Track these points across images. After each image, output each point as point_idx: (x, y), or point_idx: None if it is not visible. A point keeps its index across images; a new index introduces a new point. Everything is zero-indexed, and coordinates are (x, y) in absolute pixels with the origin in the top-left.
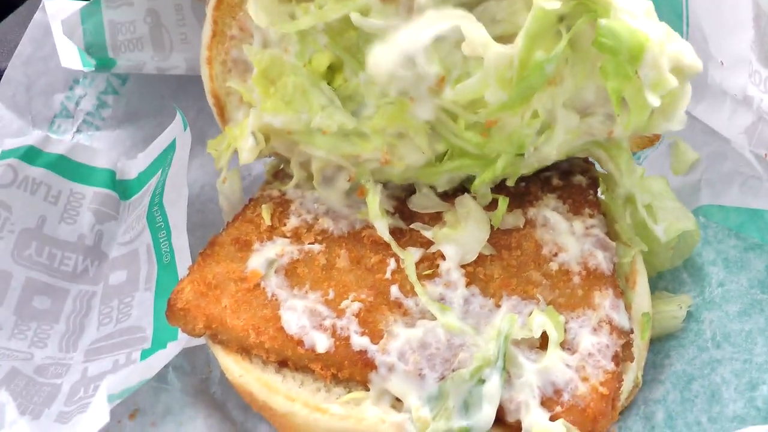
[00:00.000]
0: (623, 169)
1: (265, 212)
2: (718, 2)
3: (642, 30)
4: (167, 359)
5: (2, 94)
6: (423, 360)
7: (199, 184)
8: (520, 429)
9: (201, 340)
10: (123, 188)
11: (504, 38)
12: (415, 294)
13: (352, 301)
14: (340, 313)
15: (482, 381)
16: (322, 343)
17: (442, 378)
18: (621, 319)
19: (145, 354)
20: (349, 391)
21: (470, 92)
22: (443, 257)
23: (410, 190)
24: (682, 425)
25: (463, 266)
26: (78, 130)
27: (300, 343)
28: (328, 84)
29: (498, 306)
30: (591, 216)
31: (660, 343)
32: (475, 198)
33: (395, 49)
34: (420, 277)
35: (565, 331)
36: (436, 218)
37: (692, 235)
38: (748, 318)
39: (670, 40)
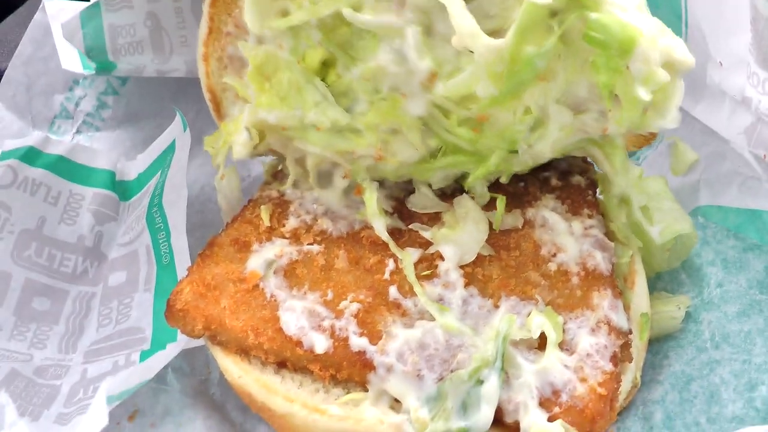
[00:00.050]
0: (618, 168)
1: (264, 213)
2: (717, 3)
3: (633, 24)
4: (166, 360)
5: (2, 94)
6: (421, 361)
7: (199, 184)
8: (519, 430)
9: (200, 342)
10: (122, 189)
11: (497, 34)
12: (413, 294)
13: (350, 302)
14: (338, 314)
15: (481, 382)
16: (320, 343)
17: (441, 379)
18: (619, 320)
19: (144, 355)
20: (348, 392)
21: (461, 87)
22: (442, 258)
23: (409, 190)
24: (680, 426)
25: (461, 267)
26: (78, 131)
27: (299, 343)
28: (322, 80)
29: (496, 306)
30: (590, 216)
31: (659, 343)
32: (473, 198)
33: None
34: (419, 277)
35: (564, 331)
36: (434, 218)
37: (689, 238)
38: (746, 319)
39: (661, 35)
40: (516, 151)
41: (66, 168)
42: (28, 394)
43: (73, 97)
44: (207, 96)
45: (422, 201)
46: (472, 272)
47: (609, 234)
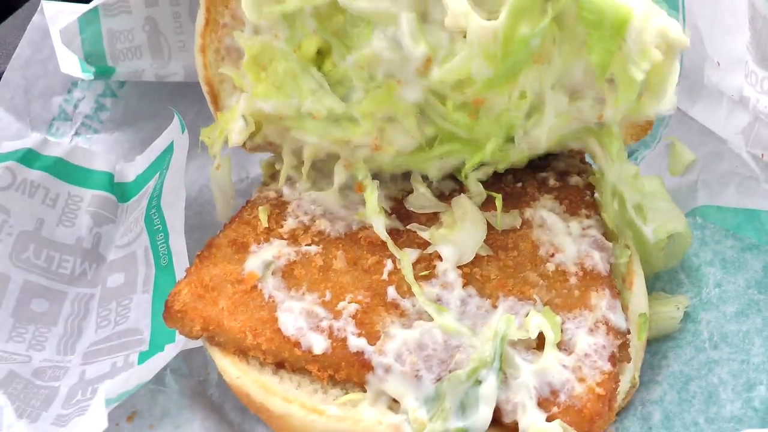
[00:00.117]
0: (614, 157)
1: (262, 214)
2: (714, 3)
3: (624, 3)
4: (165, 362)
5: (1, 96)
6: (420, 361)
7: (197, 186)
8: (517, 430)
9: (198, 343)
10: (121, 191)
11: (492, 17)
12: (412, 295)
13: (349, 303)
14: (337, 315)
15: (479, 382)
16: (319, 344)
17: (439, 379)
18: (618, 320)
19: (142, 356)
20: (346, 393)
21: (457, 70)
22: (440, 258)
23: (407, 190)
24: (679, 426)
25: (459, 267)
26: (76, 133)
27: (297, 344)
28: (318, 69)
29: (495, 307)
30: (588, 217)
31: (657, 343)
32: (471, 198)
33: None
34: (417, 278)
35: (562, 331)
36: (432, 219)
37: (684, 237)
38: (745, 319)
39: (655, 14)
40: (512, 140)
41: (64, 170)
42: (27, 395)
43: (71, 99)
44: (205, 88)
45: (420, 201)
46: (471, 272)
47: (607, 234)
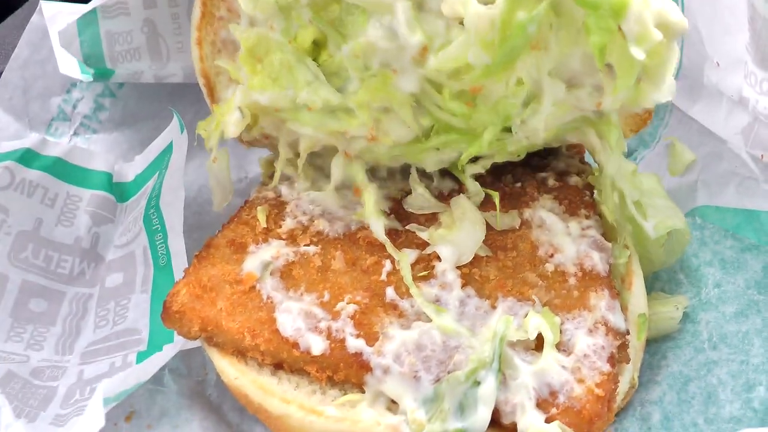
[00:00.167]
0: (613, 146)
1: (261, 214)
2: (714, 3)
3: None
4: (163, 362)
5: None
6: (418, 362)
7: (196, 186)
8: (516, 431)
9: (197, 343)
10: (120, 191)
11: (489, 3)
12: (410, 296)
13: (347, 303)
14: (335, 315)
15: (477, 383)
16: (317, 345)
17: (438, 380)
18: (617, 320)
19: (141, 356)
20: (345, 394)
21: (454, 57)
22: (439, 258)
23: (406, 190)
24: (678, 426)
25: (458, 267)
26: (75, 133)
27: (295, 345)
28: (314, 60)
29: (494, 307)
30: (587, 217)
31: (656, 344)
32: (469, 198)
33: None
34: (415, 278)
35: (561, 332)
36: (431, 219)
37: (683, 234)
38: (744, 319)
39: None
40: (510, 130)
41: (63, 170)
42: (25, 395)
43: (70, 100)
44: (201, 81)
45: (419, 202)
46: (469, 273)
47: (606, 234)
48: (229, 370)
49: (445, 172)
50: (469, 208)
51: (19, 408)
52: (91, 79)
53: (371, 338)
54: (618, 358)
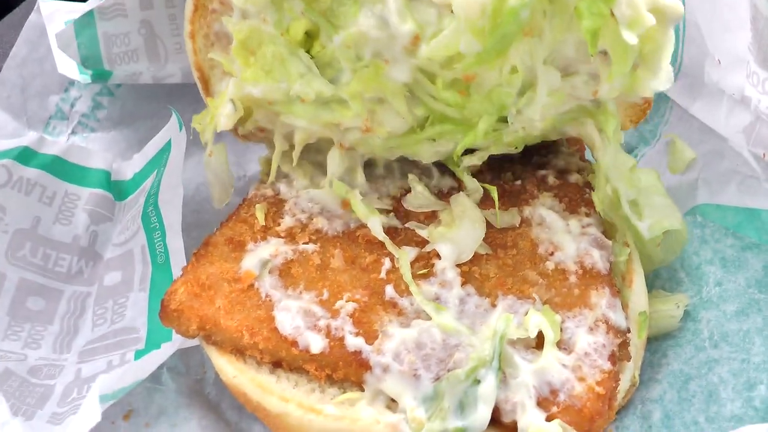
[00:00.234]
0: (610, 136)
1: (259, 212)
2: (715, 1)
3: None
4: (161, 360)
5: None
6: (418, 360)
7: (195, 184)
8: (516, 429)
9: (196, 341)
10: (118, 189)
11: None
12: (410, 294)
13: (346, 302)
14: (334, 314)
15: (478, 381)
16: (316, 343)
17: (438, 378)
18: (618, 319)
19: (139, 355)
20: (344, 392)
21: (445, 45)
22: (438, 256)
23: (406, 188)
24: (679, 425)
25: (458, 265)
26: (73, 132)
27: (294, 343)
28: (307, 52)
29: (494, 306)
30: (587, 215)
31: (657, 342)
32: (469, 195)
33: None
34: (415, 276)
35: (562, 330)
36: (431, 217)
37: (680, 233)
38: (745, 318)
39: None
40: (506, 121)
41: (61, 168)
42: (22, 393)
43: (68, 98)
44: (195, 74)
45: (419, 200)
46: (469, 271)
47: (606, 232)
48: (228, 368)
49: (445, 170)
50: (469, 206)
51: (16, 406)
52: (90, 81)
53: (370, 336)
54: (619, 356)
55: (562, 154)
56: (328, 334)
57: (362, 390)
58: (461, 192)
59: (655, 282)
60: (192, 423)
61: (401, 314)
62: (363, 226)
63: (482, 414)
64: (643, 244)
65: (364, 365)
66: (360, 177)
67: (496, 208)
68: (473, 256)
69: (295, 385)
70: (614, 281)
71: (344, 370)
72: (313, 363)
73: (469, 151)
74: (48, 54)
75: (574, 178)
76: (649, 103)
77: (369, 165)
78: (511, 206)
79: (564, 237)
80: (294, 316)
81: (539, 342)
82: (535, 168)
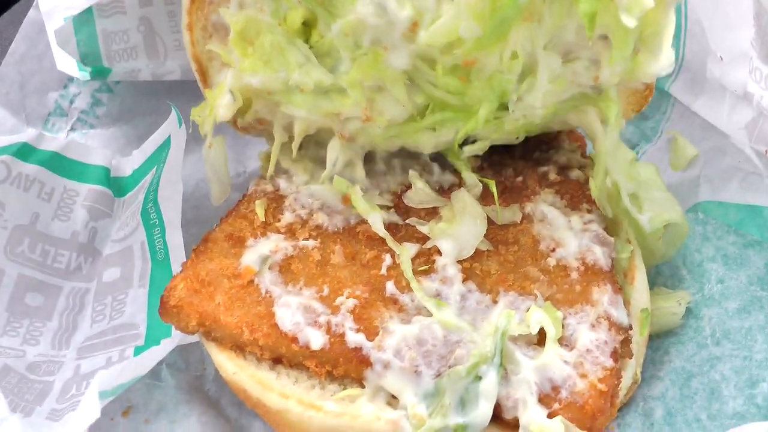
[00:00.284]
0: (612, 122)
1: (259, 208)
2: None
3: None
4: (161, 356)
5: None
6: (419, 356)
7: (194, 180)
8: (518, 426)
9: (195, 337)
10: (117, 185)
11: None
12: (410, 290)
13: (347, 298)
14: (334, 310)
15: (479, 378)
16: (316, 340)
17: (439, 375)
18: (619, 315)
19: (138, 351)
20: (344, 388)
21: (445, 30)
22: (439, 253)
23: (407, 185)
24: (681, 422)
25: (459, 262)
26: (72, 128)
27: (294, 340)
28: (305, 41)
29: (495, 302)
30: (589, 211)
31: (659, 339)
32: (468, 190)
33: None
34: (416, 272)
35: (563, 327)
36: (432, 213)
37: (680, 227)
38: (747, 315)
39: None
40: (506, 108)
41: (60, 164)
42: (21, 390)
43: (67, 95)
44: (193, 66)
45: (419, 197)
46: (470, 267)
47: (608, 229)
48: (228, 364)
49: (445, 166)
50: (470, 202)
51: (14, 402)
52: (89, 78)
53: (371, 333)
54: (621, 353)
55: (564, 150)
56: (328, 331)
57: (363, 386)
58: (462, 188)
59: (657, 279)
60: (191, 419)
61: (402, 310)
62: (363, 222)
63: (483, 410)
64: (644, 238)
65: (365, 362)
66: (360, 172)
67: (497, 204)
68: (474, 252)
69: (295, 382)
70: (616, 278)
71: (345, 367)
72: (314, 359)
73: (470, 141)
74: (47, 51)
75: (575, 174)
76: (650, 90)
77: (369, 161)
78: (513, 202)
79: (566, 233)
80: (294, 312)
81: (541, 338)
82: (536, 164)
